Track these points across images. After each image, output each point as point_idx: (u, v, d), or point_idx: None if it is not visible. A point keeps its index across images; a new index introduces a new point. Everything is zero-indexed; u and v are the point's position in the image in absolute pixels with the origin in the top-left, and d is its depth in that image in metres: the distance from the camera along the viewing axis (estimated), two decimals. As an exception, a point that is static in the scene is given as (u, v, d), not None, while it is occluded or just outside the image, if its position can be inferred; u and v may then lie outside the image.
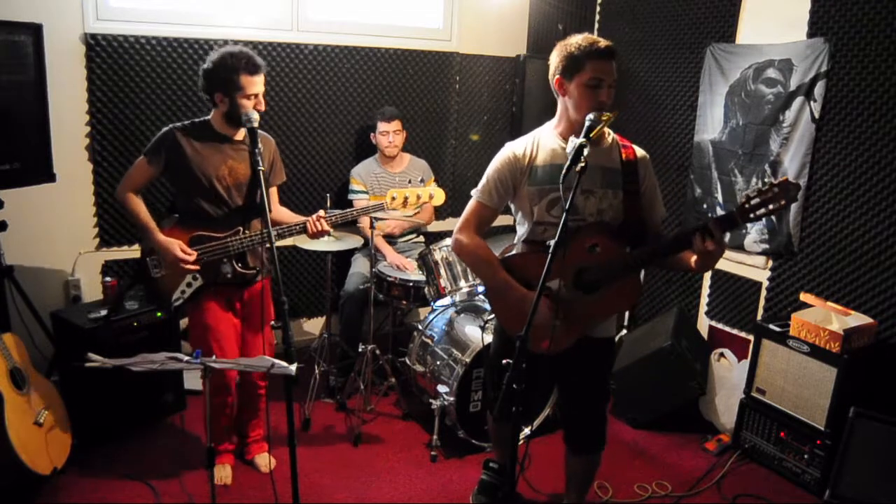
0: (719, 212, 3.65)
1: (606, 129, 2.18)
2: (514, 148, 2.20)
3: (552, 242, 1.83)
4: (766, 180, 3.37)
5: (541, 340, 2.07)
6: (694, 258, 2.01)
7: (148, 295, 2.80)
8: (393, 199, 2.68)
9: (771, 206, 1.85)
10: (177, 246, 2.57)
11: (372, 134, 3.89)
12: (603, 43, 2.04)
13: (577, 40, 2.07)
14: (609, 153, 2.18)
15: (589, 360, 2.28)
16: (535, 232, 2.21)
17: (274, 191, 2.89)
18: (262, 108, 2.56)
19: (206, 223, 2.63)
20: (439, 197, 2.76)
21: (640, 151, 2.22)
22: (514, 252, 2.26)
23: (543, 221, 2.17)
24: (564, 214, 1.82)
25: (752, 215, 1.87)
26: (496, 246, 2.34)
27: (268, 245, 2.68)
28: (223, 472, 2.89)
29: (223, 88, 2.52)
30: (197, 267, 2.60)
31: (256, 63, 2.52)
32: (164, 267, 2.65)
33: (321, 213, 2.66)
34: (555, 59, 2.12)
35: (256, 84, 2.52)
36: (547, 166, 2.13)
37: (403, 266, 3.67)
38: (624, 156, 2.17)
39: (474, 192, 2.28)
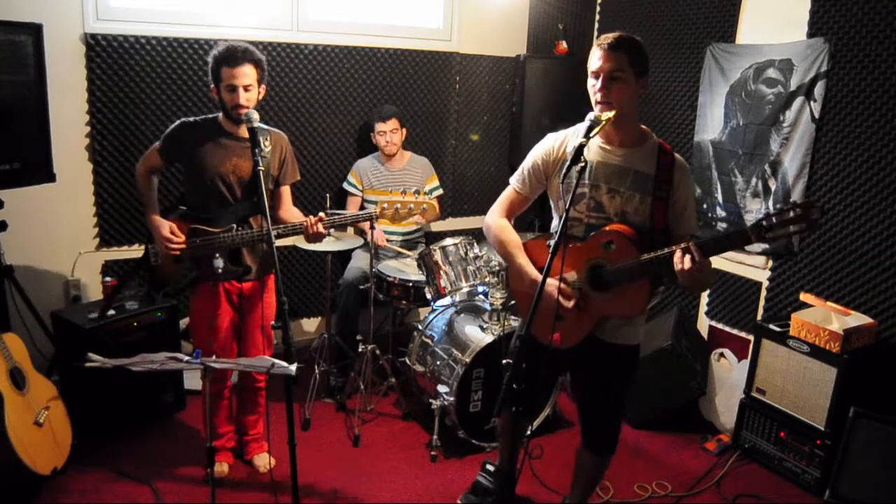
0: (719, 212, 3.65)
1: (648, 132, 2.17)
2: (553, 138, 2.23)
3: (551, 243, 1.83)
4: (768, 180, 3.37)
5: (551, 333, 2.07)
6: (680, 276, 1.92)
7: (148, 282, 2.84)
8: (383, 209, 2.61)
9: (790, 229, 1.75)
10: (167, 227, 2.62)
11: (372, 133, 3.90)
12: (607, 35, 2.05)
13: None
14: (646, 157, 2.12)
15: (609, 366, 2.27)
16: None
17: (287, 190, 2.88)
18: (242, 101, 2.52)
19: (206, 217, 2.67)
20: (432, 210, 2.67)
21: (679, 160, 2.15)
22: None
23: (572, 215, 2.17)
24: (565, 214, 1.83)
25: (767, 235, 1.78)
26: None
27: (266, 242, 2.73)
28: (219, 468, 2.89)
29: (213, 81, 2.58)
30: (179, 250, 2.63)
31: (236, 55, 2.50)
32: (162, 256, 2.70)
33: (322, 214, 2.66)
34: None
35: (235, 76, 2.50)
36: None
37: (382, 242, 3.71)
38: (662, 162, 2.11)
39: (511, 178, 2.33)
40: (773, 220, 1.76)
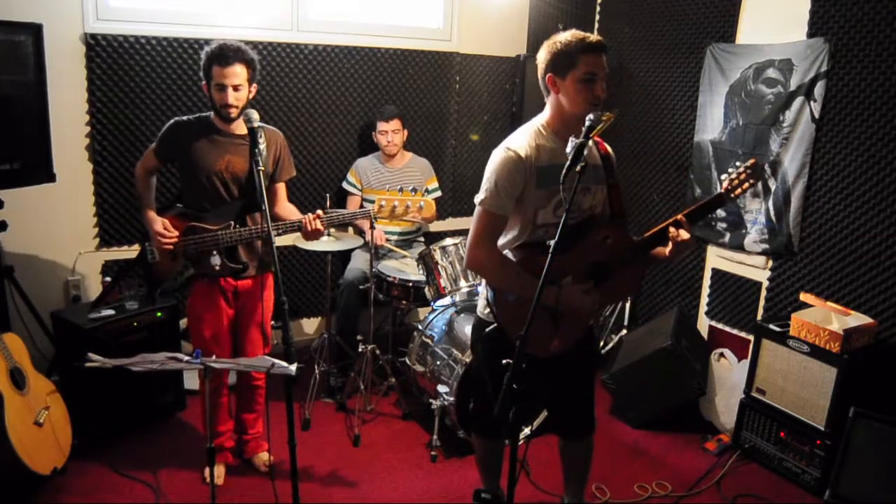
0: (719, 212, 3.64)
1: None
2: (515, 149, 2.10)
3: (551, 242, 1.83)
4: (767, 180, 3.37)
5: (548, 342, 2.08)
6: (668, 248, 2.15)
7: (146, 280, 2.85)
8: (381, 206, 2.61)
9: (746, 185, 2.17)
10: (160, 223, 2.65)
11: (373, 132, 3.91)
12: (593, 37, 2.05)
13: (565, 37, 2.06)
14: (593, 151, 2.22)
15: (581, 349, 2.28)
16: (534, 235, 2.18)
17: (282, 186, 2.90)
18: (231, 100, 2.54)
19: (203, 215, 2.68)
20: (429, 208, 2.68)
21: (609, 148, 2.30)
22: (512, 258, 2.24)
23: (547, 223, 2.15)
24: (565, 215, 1.82)
25: (733, 195, 2.18)
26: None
27: (263, 241, 2.73)
28: (217, 472, 2.88)
29: (205, 78, 2.59)
30: (171, 245, 2.64)
31: (226, 54, 2.51)
32: (158, 252, 2.71)
33: (319, 212, 2.66)
34: (545, 57, 2.10)
35: (226, 75, 2.51)
36: (551, 167, 2.09)
37: (382, 241, 3.71)
38: (602, 152, 2.24)
39: (481, 203, 2.11)
40: (734, 181, 2.17)
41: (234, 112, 2.57)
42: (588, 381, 2.44)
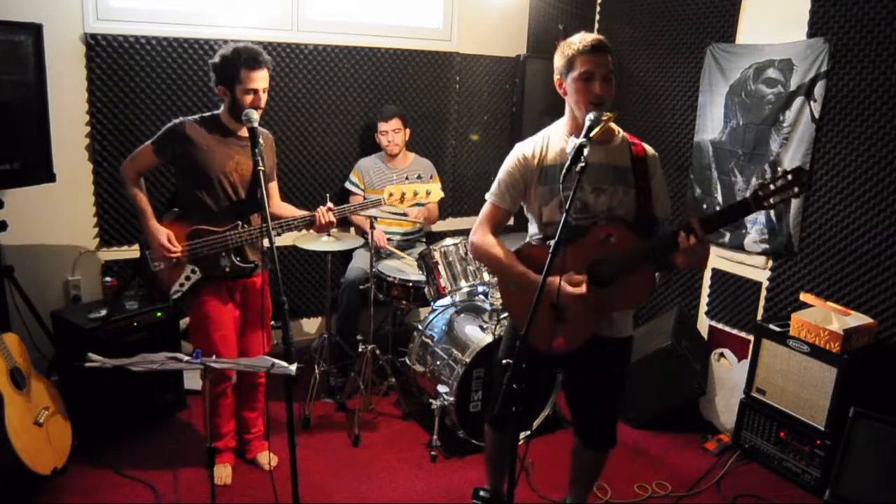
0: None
1: (615, 128, 2.20)
2: (523, 149, 2.21)
3: (551, 243, 1.83)
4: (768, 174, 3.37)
5: (552, 339, 2.07)
6: (680, 257, 2.03)
7: (148, 288, 2.82)
8: (391, 195, 2.68)
9: (785, 195, 1.89)
10: (164, 235, 2.62)
11: (375, 133, 3.91)
12: (591, 38, 2.07)
13: (571, 39, 2.11)
14: (619, 151, 2.19)
15: (605, 360, 2.26)
16: (546, 232, 2.22)
17: (275, 185, 2.92)
18: (261, 104, 2.58)
19: (206, 217, 2.66)
20: (436, 193, 2.77)
21: (649, 149, 2.23)
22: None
23: (554, 222, 2.15)
24: (564, 214, 1.83)
25: (766, 203, 1.92)
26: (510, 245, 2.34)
27: (268, 240, 2.73)
28: (223, 472, 2.90)
29: (225, 82, 2.57)
30: (178, 254, 2.63)
31: (257, 59, 2.53)
32: (161, 260, 2.68)
33: (330, 204, 2.69)
34: (555, 60, 2.17)
35: (255, 79, 2.54)
36: (557, 166, 2.12)
37: (383, 243, 3.71)
38: (634, 153, 2.19)
39: (488, 195, 2.29)
40: (770, 187, 1.90)
41: (260, 113, 2.59)
42: (612, 395, 2.37)
